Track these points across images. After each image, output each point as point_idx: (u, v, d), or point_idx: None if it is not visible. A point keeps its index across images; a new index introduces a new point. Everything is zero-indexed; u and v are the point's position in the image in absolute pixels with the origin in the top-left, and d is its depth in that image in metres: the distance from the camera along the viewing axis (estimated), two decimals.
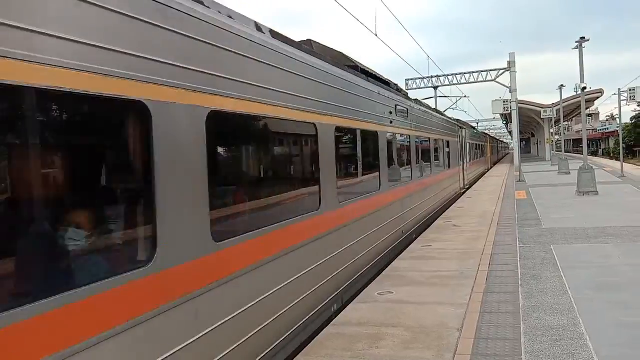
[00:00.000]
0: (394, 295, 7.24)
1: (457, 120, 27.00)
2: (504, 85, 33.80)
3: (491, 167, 50.95)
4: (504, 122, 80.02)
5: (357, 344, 5.50)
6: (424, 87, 40.85)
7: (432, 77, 40.43)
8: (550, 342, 5.26)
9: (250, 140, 5.44)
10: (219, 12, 4.65)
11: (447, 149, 19.16)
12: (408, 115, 12.32)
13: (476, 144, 35.18)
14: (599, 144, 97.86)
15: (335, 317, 6.52)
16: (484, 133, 52.73)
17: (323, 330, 6.05)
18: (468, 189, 25.04)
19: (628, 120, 77.55)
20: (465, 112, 64.37)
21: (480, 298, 6.86)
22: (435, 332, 5.70)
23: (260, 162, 5.64)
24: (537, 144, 74.18)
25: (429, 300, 6.93)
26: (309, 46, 7.43)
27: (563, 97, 40.47)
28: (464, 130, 26.14)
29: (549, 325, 5.71)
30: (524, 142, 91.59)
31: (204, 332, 3.95)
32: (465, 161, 25.61)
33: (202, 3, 4.36)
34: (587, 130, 25.39)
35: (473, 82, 38.48)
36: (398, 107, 11.23)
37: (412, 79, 40.72)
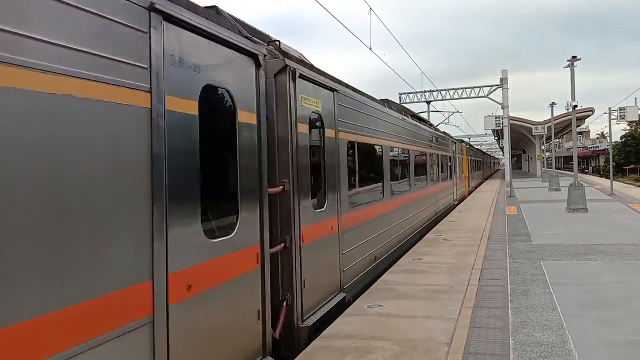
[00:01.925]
0: (383, 308, 7.21)
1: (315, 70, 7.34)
2: (497, 102, 34.13)
3: (479, 185, 42.34)
4: (496, 138, 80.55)
5: (345, 357, 5.45)
6: (417, 102, 41.13)
7: (425, 92, 40.73)
8: (539, 359, 5.24)
9: None
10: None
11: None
12: None
13: (425, 153, 16.60)
14: (589, 162, 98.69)
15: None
16: (461, 141, 32.47)
17: (311, 342, 6.00)
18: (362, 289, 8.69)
19: (618, 139, 78.41)
20: (458, 127, 64.47)
21: (470, 313, 6.84)
22: (425, 347, 5.66)
23: None
24: (529, 160, 74.69)
25: (419, 314, 6.90)
26: None
27: (554, 115, 40.84)
28: (342, 97, 8.18)
29: (538, 342, 5.69)
30: (515, 159, 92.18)
31: None
32: (339, 204, 7.68)
33: None
34: (578, 148, 25.43)
35: (466, 98, 38.81)
36: None
37: (405, 94, 41.00)
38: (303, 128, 6.49)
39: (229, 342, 4.54)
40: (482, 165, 55.26)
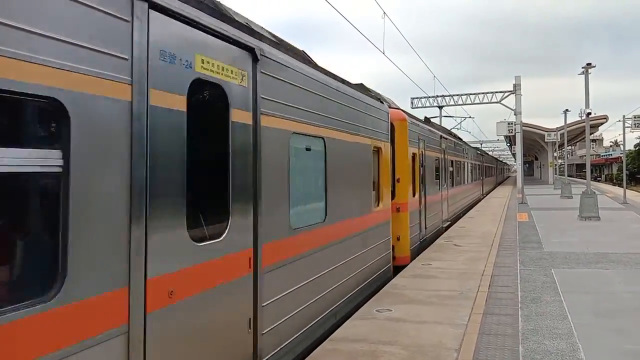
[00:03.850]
0: (392, 312, 7.20)
1: None
2: (509, 108, 33.97)
3: (474, 204, 28.16)
4: (508, 144, 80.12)
5: None
6: (429, 106, 41.06)
7: (437, 96, 40.65)
8: None
9: None
10: None
11: None
12: None
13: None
14: (602, 170, 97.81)
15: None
16: (422, 121, 15.75)
17: (320, 345, 6.01)
18: None
19: (632, 147, 77.62)
20: (469, 132, 64.32)
21: (479, 319, 6.81)
22: (433, 352, 5.65)
23: None
24: (540, 167, 74.15)
25: (428, 319, 6.88)
26: None
27: (567, 122, 40.47)
28: None
29: (548, 350, 5.66)
30: (527, 165, 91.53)
31: None
32: None
33: None
34: (591, 155, 25.13)
35: (478, 103, 38.69)
36: None
37: (417, 98, 40.95)
38: None
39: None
40: (483, 173, 39.19)
